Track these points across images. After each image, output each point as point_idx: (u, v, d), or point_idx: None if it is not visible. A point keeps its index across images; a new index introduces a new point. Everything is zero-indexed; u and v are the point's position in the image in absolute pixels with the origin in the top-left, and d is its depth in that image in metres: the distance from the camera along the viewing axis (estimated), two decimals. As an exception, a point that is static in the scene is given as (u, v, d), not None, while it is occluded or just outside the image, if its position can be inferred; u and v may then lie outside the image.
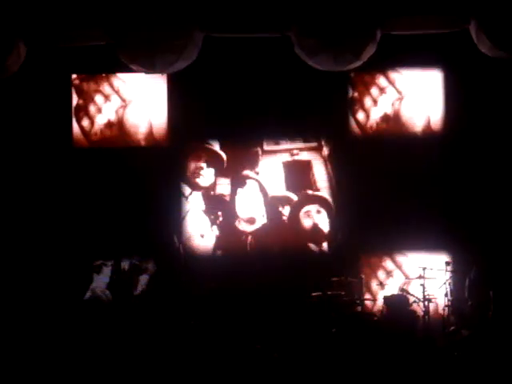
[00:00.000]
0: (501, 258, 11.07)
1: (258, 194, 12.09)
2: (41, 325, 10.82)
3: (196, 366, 9.83)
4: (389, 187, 11.72)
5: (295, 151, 12.07)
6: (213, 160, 12.08)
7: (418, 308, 10.96)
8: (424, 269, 10.99)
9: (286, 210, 12.04)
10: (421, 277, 10.99)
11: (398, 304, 10.86)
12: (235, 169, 12.07)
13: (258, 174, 12.06)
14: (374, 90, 12.01)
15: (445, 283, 10.96)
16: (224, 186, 12.08)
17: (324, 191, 12.01)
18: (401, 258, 11.88)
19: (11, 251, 11.62)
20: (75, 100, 12.12)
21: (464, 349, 9.97)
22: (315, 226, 12.01)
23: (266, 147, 12.07)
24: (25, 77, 10.68)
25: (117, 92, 12.14)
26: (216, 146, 12.09)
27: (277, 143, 12.08)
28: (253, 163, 12.06)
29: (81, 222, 11.85)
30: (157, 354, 10.15)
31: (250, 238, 12.07)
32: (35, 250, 11.66)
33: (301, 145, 12.08)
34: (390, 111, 11.99)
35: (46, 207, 11.80)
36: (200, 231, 12.07)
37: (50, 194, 11.83)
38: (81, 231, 11.83)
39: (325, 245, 11.99)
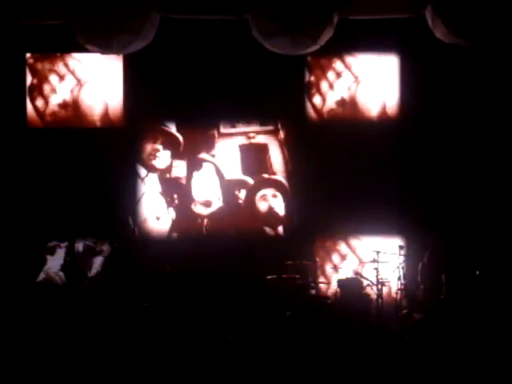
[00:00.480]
0: (453, 242, 11.20)
1: (214, 177, 12.08)
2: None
3: (150, 348, 9.81)
4: (344, 171, 11.80)
5: (251, 134, 12.08)
6: (169, 142, 12.04)
7: (372, 291, 11.04)
8: (378, 252, 11.08)
9: (242, 194, 12.06)
10: (374, 260, 11.07)
11: (352, 287, 10.94)
12: (191, 151, 12.04)
13: (214, 156, 12.05)
14: (330, 74, 12.05)
15: (398, 267, 11.07)
16: (180, 169, 12.05)
17: (280, 175, 12.04)
18: (355, 242, 11.96)
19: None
20: (29, 79, 11.98)
21: (416, 332, 10.08)
22: (271, 210, 12.05)
23: (223, 130, 12.06)
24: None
25: (72, 72, 12.02)
26: (172, 128, 12.05)
27: (233, 126, 12.07)
28: (209, 146, 12.05)
29: (35, 202, 11.75)
30: (110, 336, 10.11)
31: (205, 221, 12.07)
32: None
33: (257, 128, 12.09)
34: (346, 95, 12.04)
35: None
36: (156, 213, 12.03)
37: (3, 174, 11.70)
38: (35, 212, 11.72)
39: (280, 228, 12.04)
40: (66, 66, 12.02)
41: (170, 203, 12.00)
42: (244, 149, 12.08)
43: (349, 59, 12.05)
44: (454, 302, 10.41)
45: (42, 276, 11.52)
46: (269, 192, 12.04)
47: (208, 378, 9.20)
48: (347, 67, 12.05)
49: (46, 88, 12.01)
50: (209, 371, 9.36)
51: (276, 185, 12.03)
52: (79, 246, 11.73)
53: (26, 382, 8.94)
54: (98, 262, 11.65)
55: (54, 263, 11.59)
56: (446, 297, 10.50)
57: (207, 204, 12.04)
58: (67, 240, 11.68)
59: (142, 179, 12.01)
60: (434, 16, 9.51)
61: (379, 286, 10.96)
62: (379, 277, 10.99)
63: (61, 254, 11.67)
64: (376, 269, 11.01)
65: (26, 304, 11.06)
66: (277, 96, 11.91)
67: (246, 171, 12.06)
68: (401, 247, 11.24)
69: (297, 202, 11.96)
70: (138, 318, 10.41)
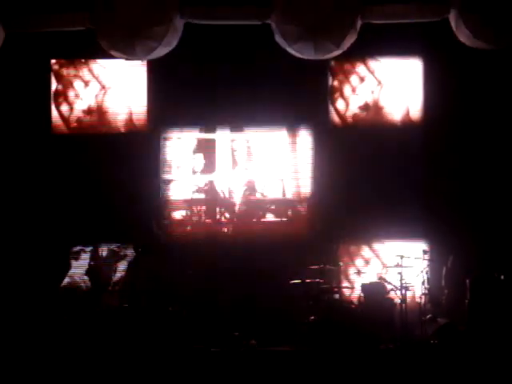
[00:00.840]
0: (478, 246, 11.15)
1: (238, 181, 12.13)
2: (19, 312, 10.77)
3: (174, 352, 9.85)
4: (367, 175, 11.76)
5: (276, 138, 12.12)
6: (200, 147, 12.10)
7: (395, 296, 11.00)
8: (401, 257, 11.03)
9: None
10: (398, 265, 11.03)
11: (376, 292, 10.90)
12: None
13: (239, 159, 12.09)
14: (353, 79, 12.04)
15: (422, 271, 11.01)
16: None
17: (304, 179, 12.05)
18: (379, 246, 11.93)
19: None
20: (54, 85, 12.06)
21: (440, 337, 10.04)
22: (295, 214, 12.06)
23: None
24: (3, 61, 10.62)
25: (96, 78, 12.09)
26: (196, 133, 12.09)
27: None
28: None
29: (59, 208, 11.81)
30: (136, 341, 10.14)
31: (230, 225, 12.10)
32: (14, 236, 11.61)
33: (280, 132, 12.10)
34: (369, 100, 12.02)
35: (24, 193, 11.75)
36: (179, 217, 12.07)
37: (28, 180, 11.78)
38: (59, 217, 11.79)
39: (304, 233, 12.01)
40: (91, 71, 12.09)
41: (195, 207, 12.04)
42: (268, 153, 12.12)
43: (372, 63, 12.03)
44: (478, 307, 10.36)
45: (66, 281, 11.61)
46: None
47: (231, 382, 9.22)
48: (370, 71, 12.04)
49: (71, 94, 12.09)
50: (231, 376, 9.38)
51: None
52: (103, 251, 11.80)
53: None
54: (122, 266, 11.71)
55: (79, 268, 11.68)
56: (471, 301, 10.45)
57: (232, 207, 12.07)
58: (92, 245, 11.76)
59: (166, 184, 12.05)
60: (458, 20, 9.48)
61: (403, 291, 10.91)
62: (403, 281, 10.94)
63: (85, 258, 11.75)
64: (400, 273, 10.96)
65: (50, 308, 11.13)
66: (300, 101, 11.91)
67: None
68: (425, 252, 11.17)
69: (320, 206, 11.94)
70: (162, 322, 10.44)
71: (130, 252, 11.67)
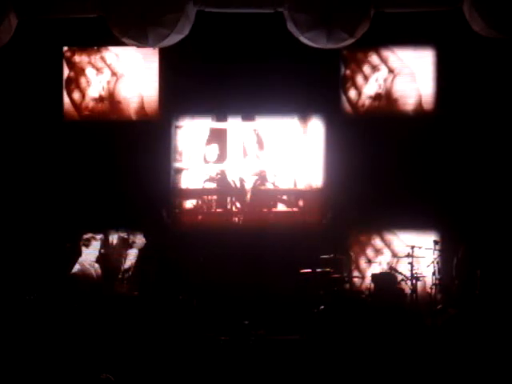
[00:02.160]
0: (488, 237, 11.11)
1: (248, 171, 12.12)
2: (30, 298, 10.80)
3: (184, 339, 9.87)
4: (379, 165, 11.73)
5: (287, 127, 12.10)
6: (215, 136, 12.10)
7: (406, 286, 10.98)
8: (412, 247, 11.02)
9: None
10: (409, 255, 11.01)
11: (386, 282, 10.89)
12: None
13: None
14: (366, 68, 11.99)
15: (433, 262, 11.00)
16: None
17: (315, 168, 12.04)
18: (390, 236, 11.90)
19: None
20: (66, 73, 12.07)
21: (450, 327, 10.02)
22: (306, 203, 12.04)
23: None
24: (16, 48, 10.62)
25: (108, 65, 12.09)
26: (208, 121, 12.08)
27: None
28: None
29: (70, 195, 11.84)
30: (146, 329, 10.16)
31: (241, 215, 12.09)
32: (24, 223, 11.65)
33: (292, 121, 12.08)
34: (381, 89, 11.98)
35: (35, 180, 11.78)
36: (189, 205, 12.07)
37: (40, 167, 11.81)
38: (70, 204, 11.81)
39: (315, 222, 12.00)
40: (103, 59, 12.10)
41: (206, 196, 12.04)
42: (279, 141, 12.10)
43: (385, 52, 11.99)
44: (488, 297, 10.34)
45: (77, 268, 11.64)
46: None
47: (240, 371, 9.23)
48: (383, 61, 11.99)
49: (83, 81, 12.10)
50: (241, 364, 9.39)
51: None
52: (114, 239, 11.82)
53: (62, 372, 9.01)
54: (132, 254, 11.74)
55: (89, 255, 11.72)
56: (481, 292, 10.43)
57: (243, 197, 12.07)
58: (102, 232, 11.79)
59: (176, 172, 12.05)
60: (472, 9, 9.41)
61: (414, 281, 10.90)
62: (414, 271, 10.93)
63: (96, 246, 11.79)
64: (411, 263, 10.95)
65: (61, 295, 11.17)
66: (312, 90, 11.87)
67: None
68: (436, 242, 11.16)
69: (332, 196, 11.92)
70: (172, 311, 10.46)
71: (140, 240, 11.71)
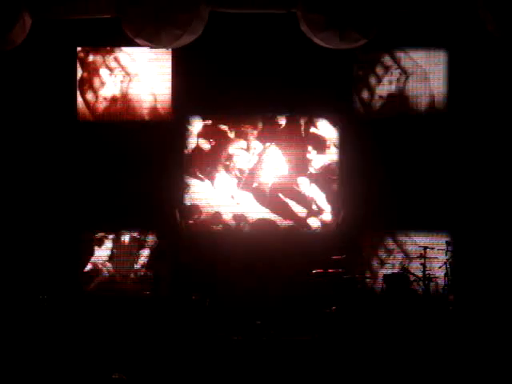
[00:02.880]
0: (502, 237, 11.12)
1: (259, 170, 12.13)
2: (42, 296, 10.84)
3: (198, 341, 9.89)
4: (391, 166, 11.72)
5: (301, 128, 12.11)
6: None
7: (418, 287, 10.97)
8: (425, 248, 11.01)
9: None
10: (421, 256, 11.00)
11: (398, 283, 10.88)
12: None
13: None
14: (378, 69, 11.99)
15: (445, 263, 10.98)
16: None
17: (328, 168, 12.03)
18: (402, 237, 11.89)
19: (14, 223, 11.66)
20: (80, 73, 12.10)
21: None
22: (318, 204, 12.03)
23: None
24: (29, 49, 10.67)
25: (122, 66, 12.12)
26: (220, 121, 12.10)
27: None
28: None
29: (83, 194, 11.87)
30: (157, 329, 10.19)
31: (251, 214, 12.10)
32: (38, 223, 11.69)
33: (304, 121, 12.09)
34: (394, 90, 11.97)
35: (49, 179, 11.82)
36: (202, 206, 12.09)
37: (53, 166, 11.85)
38: (83, 204, 11.84)
39: (327, 223, 12.00)
40: (116, 59, 12.13)
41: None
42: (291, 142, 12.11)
43: (397, 53, 11.98)
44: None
45: (89, 267, 11.68)
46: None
47: (252, 371, 9.24)
48: (396, 61, 11.98)
49: (96, 81, 12.13)
50: (253, 364, 9.41)
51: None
52: (126, 238, 11.85)
53: (73, 372, 9.05)
54: (144, 253, 11.76)
55: (102, 254, 11.75)
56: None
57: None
58: (114, 232, 11.82)
59: (190, 173, 12.06)
60: (485, 10, 9.39)
61: (426, 282, 10.89)
62: (426, 272, 10.92)
63: (108, 245, 11.82)
64: (423, 264, 10.94)
65: (73, 294, 11.22)
66: (325, 91, 11.86)
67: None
68: (448, 243, 11.15)
69: (344, 197, 11.91)
70: (184, 310, 10.48)
71: (153, 239, 11.73)
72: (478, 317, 10.24)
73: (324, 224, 11.98)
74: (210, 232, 11.95)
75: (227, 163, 12.07)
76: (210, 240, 11.79)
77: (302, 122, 12.05)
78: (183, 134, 12.09)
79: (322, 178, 11.99)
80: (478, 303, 10.55)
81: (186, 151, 12.04)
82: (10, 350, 9.38)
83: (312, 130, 12.05)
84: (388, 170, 11.70)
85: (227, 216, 12.01)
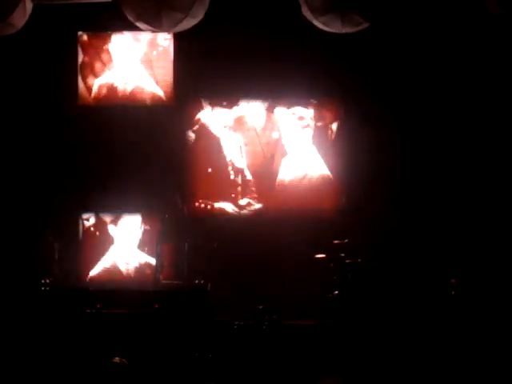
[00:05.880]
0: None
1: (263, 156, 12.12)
2: (44, 281, 10.86)
3: (199, 326, 9.92)
4: (393, 152, 11.70)
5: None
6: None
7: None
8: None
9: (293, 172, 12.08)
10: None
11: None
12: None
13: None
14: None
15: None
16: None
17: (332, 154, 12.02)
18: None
19: (15, 206, 11.67)
20: (81, 57, 12.08)
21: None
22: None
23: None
24: (30, 33, 10.63)
25: (123, 50, 12.09)
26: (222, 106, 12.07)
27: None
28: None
29: (85, 179, 11.87)
30: (158, 313, 10.20)
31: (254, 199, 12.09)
32: (39, 206, 11.71)
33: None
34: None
35: (50, 163, 11.82)
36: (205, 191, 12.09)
37: (54, 150, 11.85)
38: (84, 189, 11.84)
39: (329, 207, 11.98)
40: (117, 43, 12.10)
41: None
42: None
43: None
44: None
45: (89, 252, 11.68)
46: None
47: (254, 356, 9.26)
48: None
49: (97, 66, 12.11)
50: (255, 349, 9.43)
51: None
52: (127, 222, 11.85)
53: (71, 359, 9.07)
54: (145, 238, 11.76)
55: (102, 239, 11.76)
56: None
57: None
58: (115, 215, 11.83)
59: (193, 157, 12.05)
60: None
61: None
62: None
63: (109, 229, 11.82)
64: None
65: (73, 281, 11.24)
66: (328, 75, 11.83)
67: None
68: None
69: (346, 183, 11.90)
70: (185, 295, 10.49)
71: (154, 224, 11.73)
72: (481, 302, 10.23)
73: (326, 209, 11.95)
74: (212, 216, 11.95)
75: (229, 148, 12.06)
76: (212, 224, 11.79)
77: (308, 107, 11.99)
78: (185, 118, 12.06)
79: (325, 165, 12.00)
80: (481, 288, 10.51)
81: (187, 135, 12.03)
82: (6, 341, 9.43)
83: (316, 116, 12.03)
84: (390, 158, 11.66)
85: (229, 201, 12.01)
